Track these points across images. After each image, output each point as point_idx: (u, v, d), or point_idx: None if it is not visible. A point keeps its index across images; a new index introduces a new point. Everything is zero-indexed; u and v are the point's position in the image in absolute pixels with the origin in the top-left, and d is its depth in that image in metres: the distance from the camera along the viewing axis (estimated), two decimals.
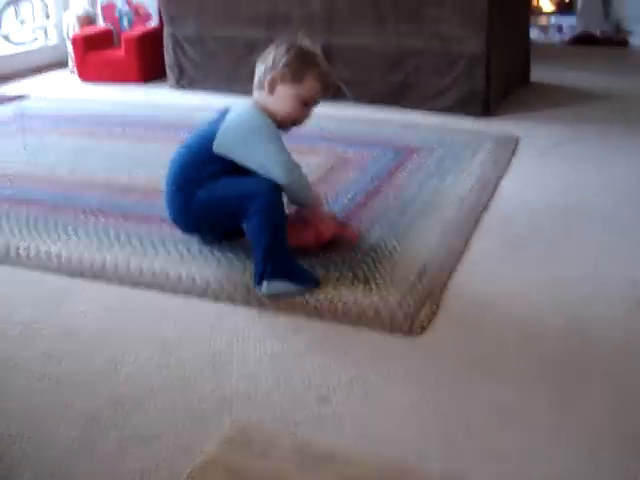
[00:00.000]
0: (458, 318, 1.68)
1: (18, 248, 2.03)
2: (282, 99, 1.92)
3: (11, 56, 4.60)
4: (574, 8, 6.21)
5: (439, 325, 1.65)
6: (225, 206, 1.86)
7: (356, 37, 3.48)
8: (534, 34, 5.27)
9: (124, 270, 1.89)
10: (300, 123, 1.99)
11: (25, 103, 3.68)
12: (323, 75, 1.93)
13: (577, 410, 1.36)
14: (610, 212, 2.28)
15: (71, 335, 1.63)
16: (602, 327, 1.64)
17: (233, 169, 1.89)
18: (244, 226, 1.83)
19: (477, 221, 2.19)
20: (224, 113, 1.97)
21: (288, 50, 1.91)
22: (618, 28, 5.90)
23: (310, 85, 1.91)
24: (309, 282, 1.78)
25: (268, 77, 1.92)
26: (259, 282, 1.76)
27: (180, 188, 1.92)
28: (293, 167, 1.88)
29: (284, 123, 1.95)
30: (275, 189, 1.82)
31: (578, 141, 3.00)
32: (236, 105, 1.98)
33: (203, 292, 1.79)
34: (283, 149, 1.88)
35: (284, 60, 1.90)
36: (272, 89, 1.92)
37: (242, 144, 1.87)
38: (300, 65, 1.90)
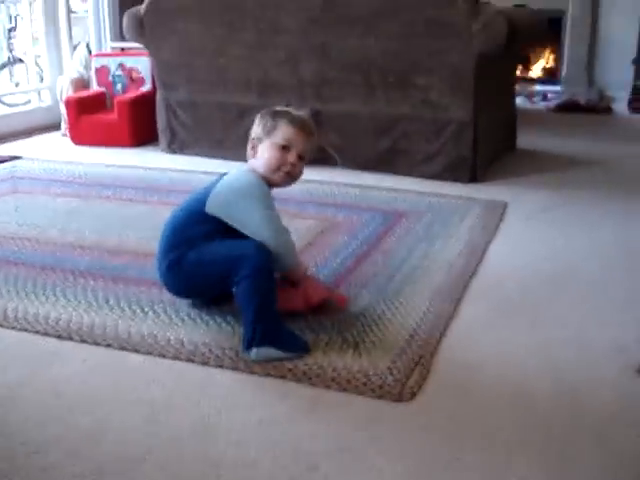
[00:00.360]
0: (448, 383, 1.67)
1: (6, 309, 2.01)
2: (262, 154, 1.96)
3: (4, 117, 4.65)
4: (559, 76, 6.36)
5: (429, 390, 1.64)
6: (214, 268, 1.86)
7: (346, 104, 3.55)
8: (520, 101, 5.38)
9: (112, 333, 1.88)
10: (291, 176, 1.98)
11: (17, 164, 3.71)
12: (294, 118, 1.97)
13: (566, 475, 1.35)
14: (597, 277, 2.30)
15: (57, 398, 1.60)
16: (590, 392, 1.64)
17: (225, 230, 1.90)
18: (233, 290, 1.83)
19: (466, 286, 2.20)
20: (221, 176, 1.99)
21: (260, 115, 2.01)
22: (602, 95, 6.03)
23: (282, 130, 1.95)
24: (298, 349, 1.78)
25: (249, 145, 2.00)
26: (248, 348, 1.75)
27: (172, 248, 1.93)
28: (282, 230, 1.90)
29: (274, 179, 1.97)
30: (264, 252, 1.83)
31: (565, 206, 3.04)
32: (232, 169, 2.01)
33: (191, 356, 1.77)
34: (273, 212, 1.91)
35: (257, 124, 1.99)
36: (255, 152, 1.99)
37: (233, 205, 1.90)
38: (270, 119, 1.97)
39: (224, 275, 1.82)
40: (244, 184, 1.94)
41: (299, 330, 1.86)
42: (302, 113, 2.04)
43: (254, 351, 1.74)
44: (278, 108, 2.04)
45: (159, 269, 1.98)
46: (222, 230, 1.90)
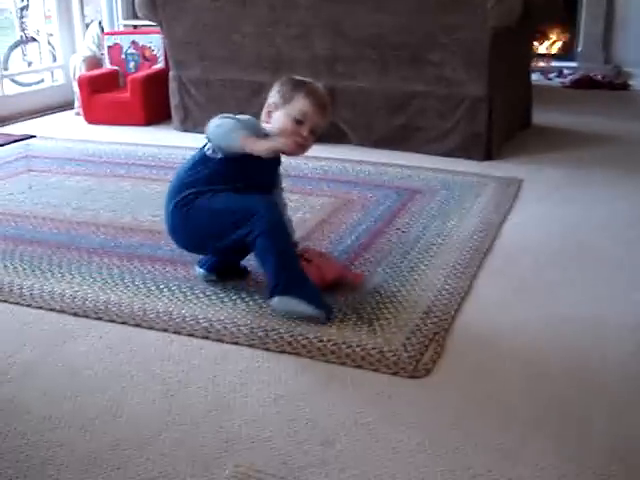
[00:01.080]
0: (462, 360, 1.67)
1: (22, 287, 2.03)
2: (276, 121, 1.95)
3: (17, 96, 4.65)
4: (575, 52, 6.28)
5: (443, 367, 1.64)
6: (224, 217, 1.86)
7: (359, 80, 3.52)
8: (535, 77, 5.32)
9: (127, 310, 1.89)
10: (301, 147, 1.93)
11: (31, 143, 3.72)
12: (312, 90, 1.96)
13: (581, 453, 1.35)
14: (612, 255, 2.28)
15: (73, 375, 1.62)
16: (604, 370, 1.63)
17: (226, 172, 1.91)
18: (252, 248, 1.84)
19: (480, 263, 2.19)
20: None
21: (280, 82, 2.00)
22: (619, 71, 5.96)
23: (300, 102, 1.93)
24: (322, 307, 1.80)
25: (265, 109, 1.98)
26: (271, 296, 1.78)
27: (178, 191, 1.94)
28: (221, 124, 1.88)
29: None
30: (274, 208, 1.86)
31: (581, 184, 3.02)
32: None
33: (206, 333, 1.78)
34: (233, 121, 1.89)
35: (276, 90, 1.98)
36: (269, 117, 1.97)
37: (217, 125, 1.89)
38: (289, 89, 1.96)
39: (233, 226, 1.83)
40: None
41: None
42: (320, 86, 2.01)
43: (276, 299, 1.77)
44: (298, 78, 2.01)
45: (165, 217, 1.99)
46: (223, 172, 1.91)
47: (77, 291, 2.00)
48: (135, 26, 4.80)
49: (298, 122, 1.93)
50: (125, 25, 4.97)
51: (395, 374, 1.60)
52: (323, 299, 1.84)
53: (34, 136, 3.88)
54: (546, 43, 6.56)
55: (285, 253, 1.82)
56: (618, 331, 1.80)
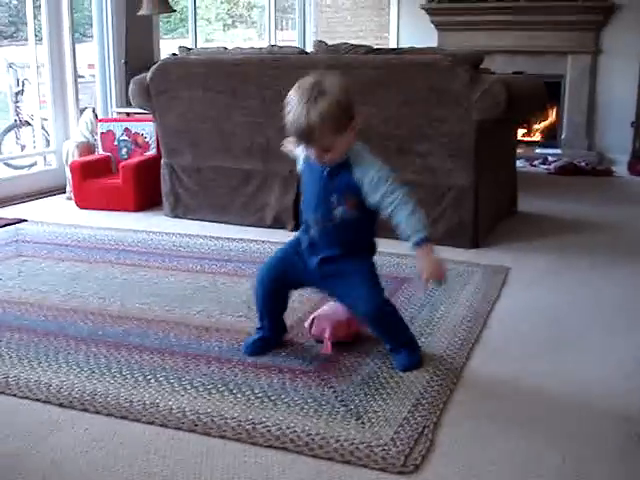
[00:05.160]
0: (452, 454, 1.66)
1: (7, 376, 2.01)
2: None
3: (10, 180, 4.70)
4: (559, 139, 6.44)
5: (433, 461, 1.62)
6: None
7: None
8: (520, 164, 5.44)
9: (114, 402, 1.87)
10: (327, 162, 2.05)
11: (22, 227, 3.74)
12: (293, 131, 2.00)
13: None
14: (601, 343, 2.29)
15: (57, 469, 1.59)
16: (596, 463, 1.62)
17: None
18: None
19: (469, 354, 2.19)
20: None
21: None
22: (601, 158, 6.10)
23: (297, 145, 2.15)
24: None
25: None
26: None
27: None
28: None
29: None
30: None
31: (567, 271, 3.05)
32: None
33: (193, 426, 1.76)
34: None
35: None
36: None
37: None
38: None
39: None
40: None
41: (301, 398, 1.86)
42: (305, 103, 1.92)
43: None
44: (291, 97, 1.98)
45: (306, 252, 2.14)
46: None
47: (64, 381, 1.99)
48: (128, 114, 4.89)
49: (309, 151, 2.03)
50: (118, 112, 5.07)
51: (384, 470, 1.58)
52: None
53: (25, 220, 3.90)
54: (531, 130, 6.74)
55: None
56: (610, 422, 1.80)
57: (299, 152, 2.20)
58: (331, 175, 2.04)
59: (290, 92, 1.99)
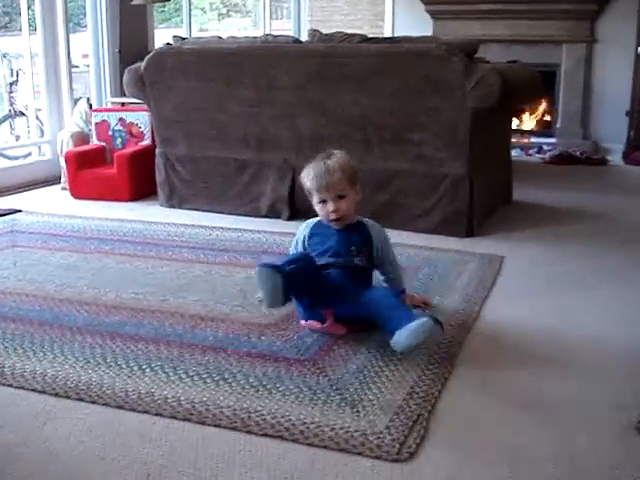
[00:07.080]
0: (446, 442, 1.67)
1: (3, 366, 2.01)
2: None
3: (4, 170, 4.69)
4: (554, 128, 6.45)
5: (427, 449, 1.63)
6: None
7: None
8: (515, 153, 5.44)
9: (109, 391, 1.88)
10: (338, 218, 2.29)
11: (17, 218, 3.73)
12: (314, 176, 2.27)
13: None
14: (595, 333, 2.30)
15: (53, 459, 1.59)
16: (589, 454, 1.63)
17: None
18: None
19: (462, 343, 2.20)
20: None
21: (301, 176, 2.32)
22: (596, 147, 6.11)
23: (313, 190, 2.29)
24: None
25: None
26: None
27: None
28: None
29: (330, 224, 2.33)
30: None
31: (562, 260, 3.06)
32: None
33: (188, 415, 1.76)
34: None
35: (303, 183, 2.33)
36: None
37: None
38: (304, 183, 2.31)
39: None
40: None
41: (296, 387, 1.87)
42: (321, 161, 2.26)
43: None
44: (307, 166, 2.29)
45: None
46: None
47: (59, 371, 1.99)
48: (123, 103, 4.88)
49: (323, 202, 2.25)
50: (113, 102, 5.06)
51: (378, 457, 1.59)
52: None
53: (20, 210, 3.89)
54: (526, 119, 6.73)
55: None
56: (603, 410, 1.81)
57: (300, 232, 2.41)
58: (345, 232, 2.30)
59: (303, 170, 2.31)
